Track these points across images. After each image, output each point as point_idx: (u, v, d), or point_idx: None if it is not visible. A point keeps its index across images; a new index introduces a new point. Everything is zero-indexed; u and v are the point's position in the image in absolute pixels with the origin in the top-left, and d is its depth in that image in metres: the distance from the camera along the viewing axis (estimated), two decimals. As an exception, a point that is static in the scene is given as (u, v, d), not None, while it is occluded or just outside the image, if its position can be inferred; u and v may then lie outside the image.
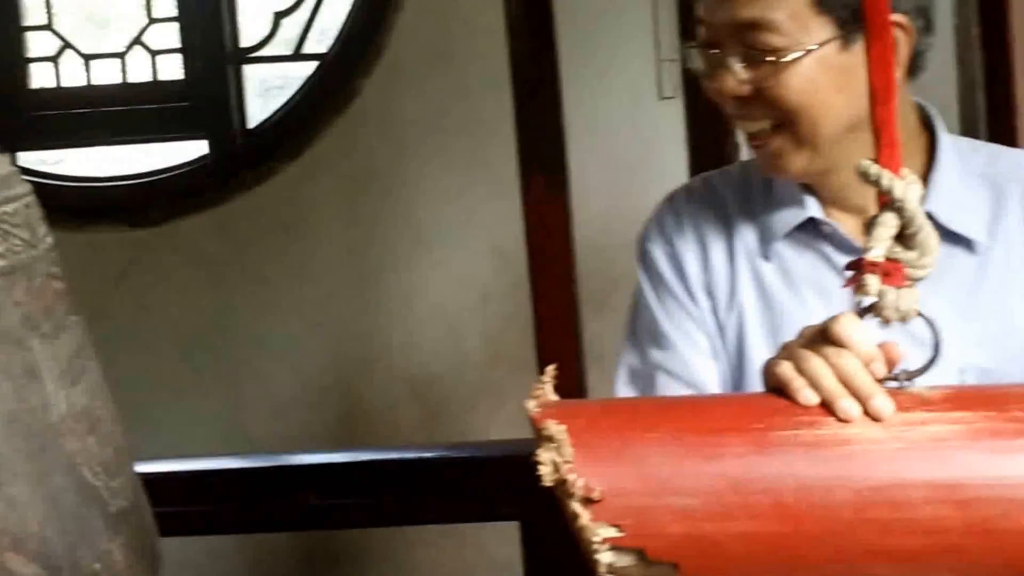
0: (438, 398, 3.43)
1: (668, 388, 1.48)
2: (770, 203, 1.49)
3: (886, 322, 1.08)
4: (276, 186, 3.39)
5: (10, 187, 1.23)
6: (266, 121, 3.44)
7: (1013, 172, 1.45)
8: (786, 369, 1.08)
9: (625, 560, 1.03)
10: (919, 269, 1.08)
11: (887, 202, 1.07)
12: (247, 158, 3.40)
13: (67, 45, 3.46)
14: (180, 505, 2.18)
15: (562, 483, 1.04)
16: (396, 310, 3.42)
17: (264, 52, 3.46)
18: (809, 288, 1.45)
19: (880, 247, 1.08)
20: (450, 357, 3.42)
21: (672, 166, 2.58)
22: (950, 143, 1.46)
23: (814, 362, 1.07)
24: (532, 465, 1.06)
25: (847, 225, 1.45)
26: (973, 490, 1.01)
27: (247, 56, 3.44)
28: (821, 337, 1.09)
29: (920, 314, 1.09)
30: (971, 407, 1.05)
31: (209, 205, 3.41)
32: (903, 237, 1.08)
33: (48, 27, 3.47)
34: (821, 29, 1.32)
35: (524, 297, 2.32)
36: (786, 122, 1.37)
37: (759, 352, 1.43)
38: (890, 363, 1.08)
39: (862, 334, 1.08)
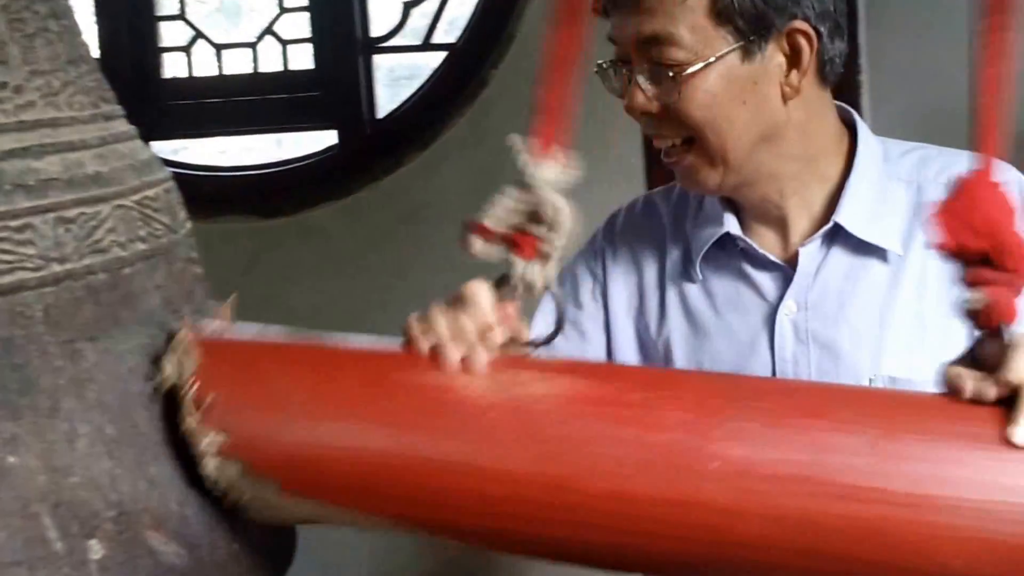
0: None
1: None
2: (697, 221, 1.49)
3: (514, 292, 1.15)
4: (403, 176, 3.36)
5: (152, 172, 1.24)
6: (395, 111, 3.41)
7: (938, 176, 1.41)
8: (412, 323, 1.15)
9: (231, 471, 1.09)
10: (549, 245, 1.14)
11: (521, 179, 1.15)
12: (376, 148, 3.37)
13: (199, 35, 3.45)
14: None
15: (178, 389, 1.09)
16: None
17: (393, 42, 3.42)
18: (729, 306, 1.45)
19: (495, 215, 1.17)
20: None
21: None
22: (876, 147, 1.43)
23: (434, 318, 1.14)
24: None
25: (767, 240, 1.43)
26: (548, 446, 1.04)
27: (377, 46, 3.40)
28: (455, 300, 1.16)
29: (549, 290, 1.16)
30: (586, 377, 1.10)
31: (337, 195, 3.39)
32: (536, 213, 1.15)
33: (181, 17, 3.47)
34: (721, 41, 1.32)
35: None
36: (695, 137, 1.37)
37: None
38: (510, 327, 1.14)
39: (484, 297, 1.14)
